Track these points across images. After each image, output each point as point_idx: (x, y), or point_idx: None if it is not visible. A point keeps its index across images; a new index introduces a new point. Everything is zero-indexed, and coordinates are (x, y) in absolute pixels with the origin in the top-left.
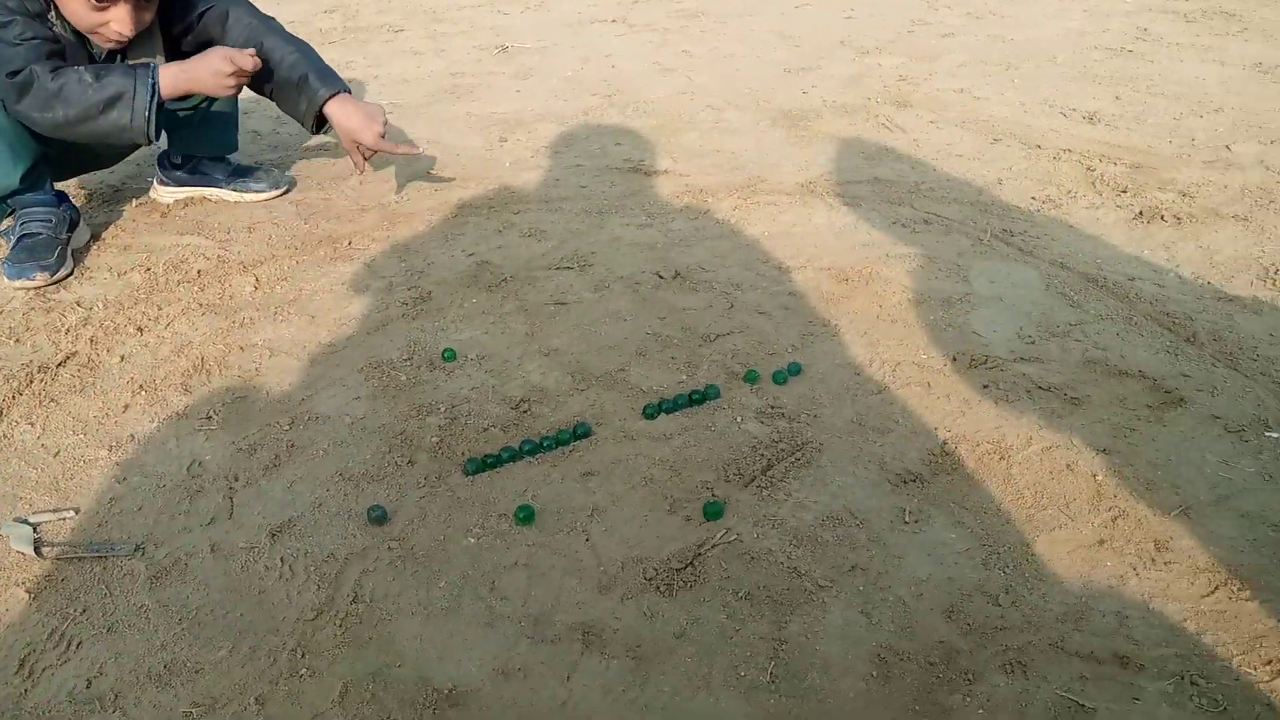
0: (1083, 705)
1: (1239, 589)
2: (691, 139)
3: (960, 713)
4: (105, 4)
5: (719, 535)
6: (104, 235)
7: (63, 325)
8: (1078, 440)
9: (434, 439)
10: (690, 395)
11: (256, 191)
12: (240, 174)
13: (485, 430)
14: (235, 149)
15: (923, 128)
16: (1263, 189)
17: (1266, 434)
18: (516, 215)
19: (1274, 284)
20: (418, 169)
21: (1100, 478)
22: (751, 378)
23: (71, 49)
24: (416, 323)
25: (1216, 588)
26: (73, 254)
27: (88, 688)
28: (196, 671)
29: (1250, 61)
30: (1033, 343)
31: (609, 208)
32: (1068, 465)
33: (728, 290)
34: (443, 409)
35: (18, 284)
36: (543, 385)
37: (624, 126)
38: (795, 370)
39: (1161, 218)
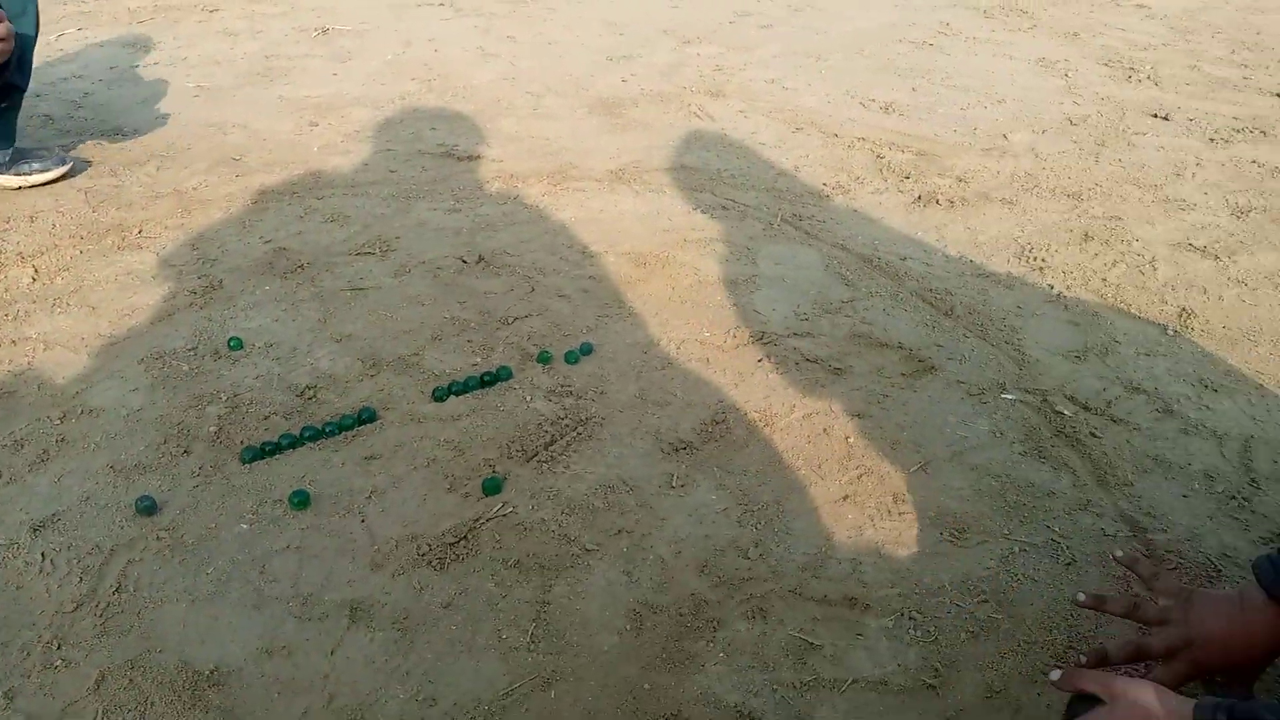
0: (812, 643)
1: (960, 533)
2: (508, 125)
3: (703, 657)
4: None
5: (495, 509)
6: None
7: None
8: (836, 406)
9: (212, 429)
10: (481, 377)
11: (36, 173)
12: (20, 157)
13: (267, 418)
14: (12, 141)
15: (732, 116)
16: (1030, 175)
17: (1002, 396)
18: (320, 200)
19: (1028, 261)
20: (220, 155)
21: (852, 440)
22: (544, 358)
23: None
24: (204, 312)
25: (941, 533)
26: None
27: None
28: None
29: (1035, 56)
30: (806, 319)
31: (417, 192)
32: (824, 430)
33: (530, 274)
34: (224, 398)
35: None
36: (331, 372)
37: (441, 111)
38: (587, 350)
39: (937, 201)
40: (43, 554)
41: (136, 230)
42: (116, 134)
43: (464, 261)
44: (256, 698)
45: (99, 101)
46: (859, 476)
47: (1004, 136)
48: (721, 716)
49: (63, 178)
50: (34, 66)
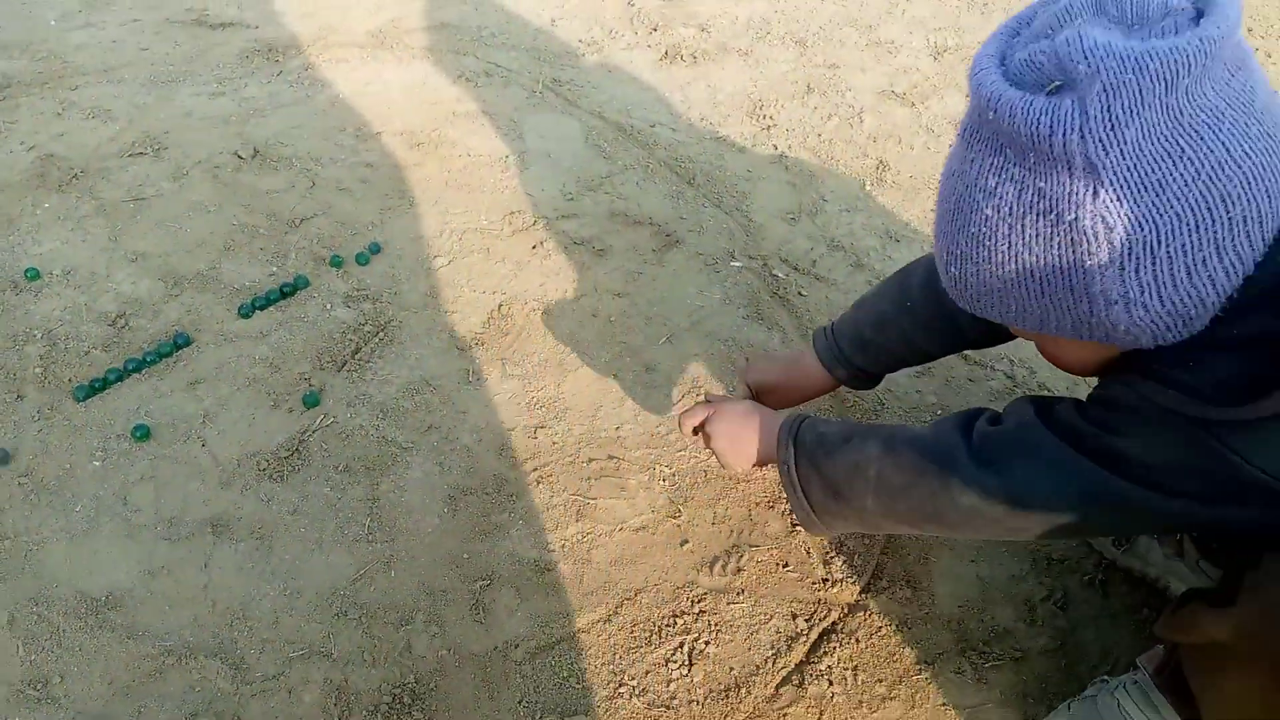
0: (587, 500)
1: (696, 395)
2: None
3: (507, 525)
4: None
5: (318, 421)
6: None
7: None
8: (601, 287)
9: (37, 369)
10: (281, 289)
11: None
12: None
13: (87, 353)
14: None
15: None
16: (764, 20)
17: (732, 264)
18: (74, 92)
19: (758, 119)
20: None
21: (614, 319)
22: (336, 262)
23: None
24: None
25: (681, 396)
26: None
27: None
28: None
29: None
30: (572, 199)
31: (176, 75)
32: (592, 313)
33: (308, 166)
34: (39, 336)
35: None
36: (135, 295)
37: None
38: (375, 249)
39: (681, 57)
40: None
41: None
42: None
43: (240, 157)
44: (152, 612)
45: None
46: (619, 354)
47: None
48: (525, 570)
49: None
50: None
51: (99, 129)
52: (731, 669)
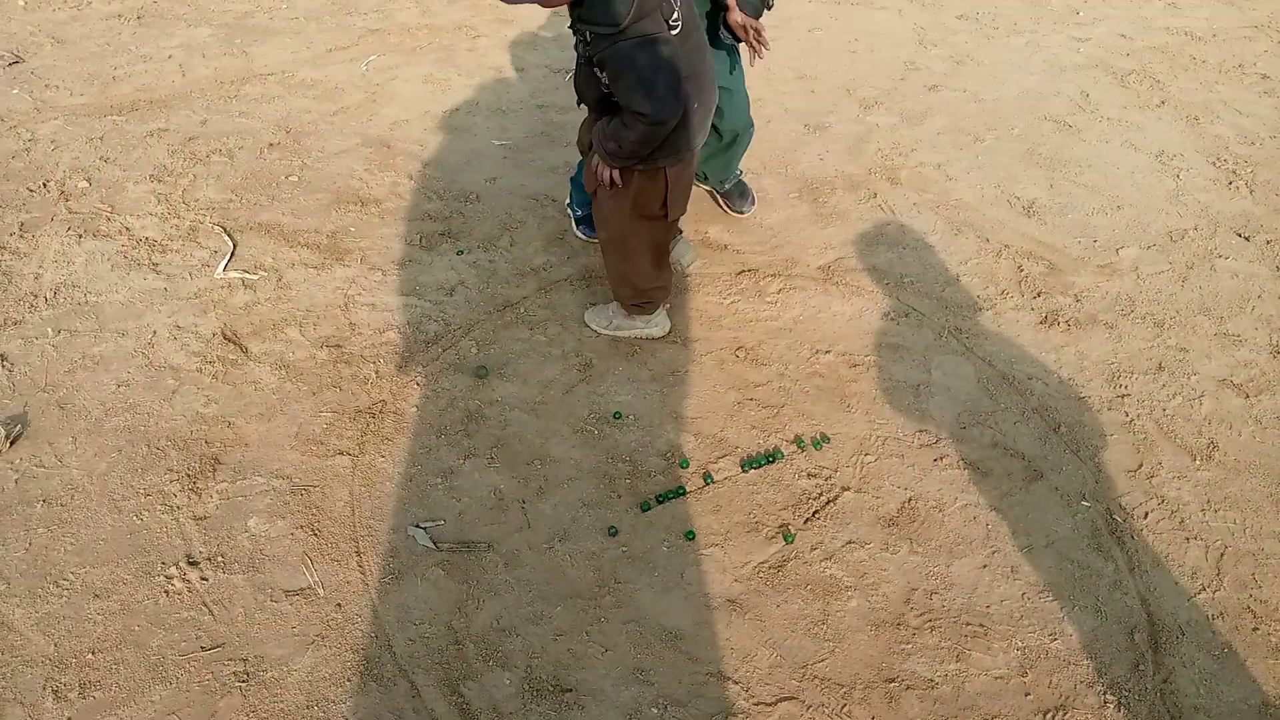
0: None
1: (1043, 591)
2: None
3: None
4: None
5: (793, 552)
6: None
7: None
8: (982, 500)
9: (626, 481)
10: (767, 456)
11: None
12: None
13: (652, 475)
14: None
15: (908, 210)
16: (1130, 298)
17: (1081, 503)
18: None
19: (1115, 388)
20: None
21: (990, 525)
22: (800, 444)
23: None
24: None
25: (1027, 591)
26: None
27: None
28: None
29: (1156, 150)
30: (965, 427)
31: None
32: (974, 518)
33: (780, 370)
34: (626, 458)
35: None
36: (677, 442)
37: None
38: (826, 440)
39: (1058, 323)
40: None
41: None
42: None
43: (736, 356)
44: (706, 645)
45: None
46: (992, 552)
47: (1116, 251)
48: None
49: None
50: None
51: None
52: None
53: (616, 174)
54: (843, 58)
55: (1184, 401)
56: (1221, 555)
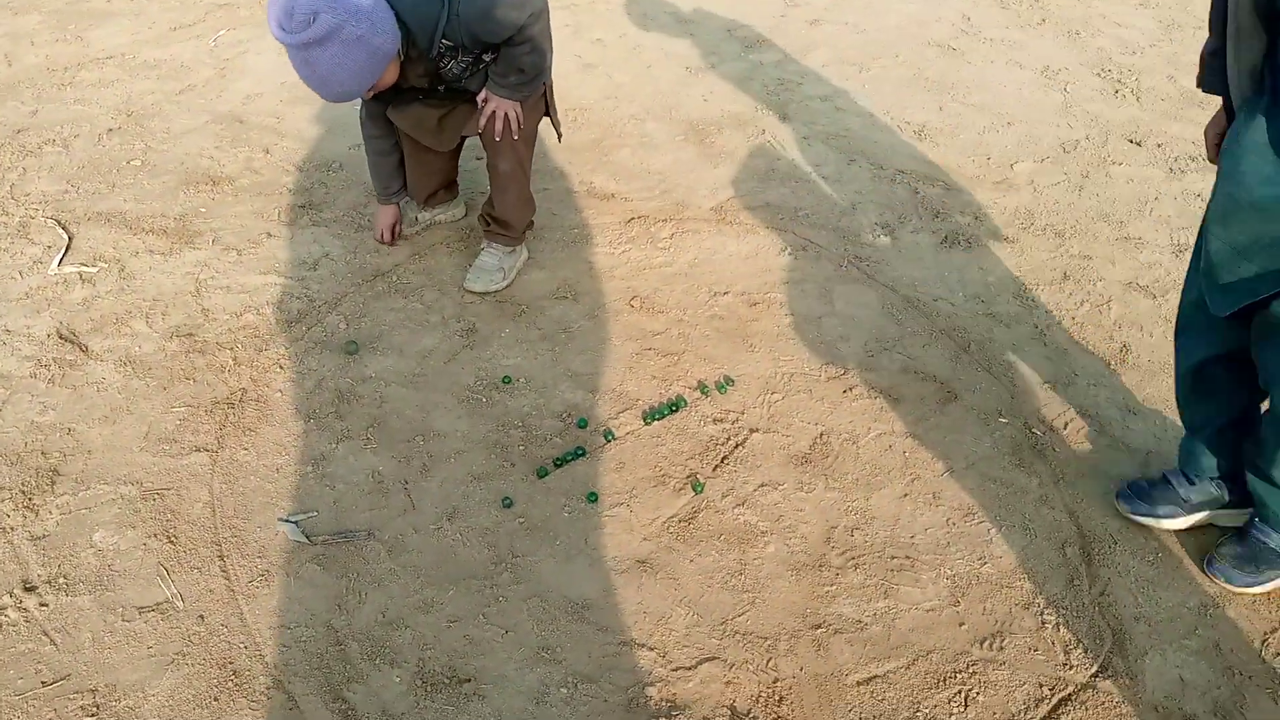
0: (892, 585)
1: (968, 515)
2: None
3: (836, 594)
4: None
5: (703, 503)
6: None
7: None
8: (897, 428)
9: (521, 448)
10: (670, 405)
11: None
12: None
13: (548, 439)
14: None
15: (798, 144)
16: (1028, 211)
17: (999, 420)
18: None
19: (1022, 301)
20: None
21: (907, 454)
22: (704, 390)
23: None
24: None
25: (951, 515)
26: None
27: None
28: None
29: (1041, 65)
30: (872, 355)
31: (580, 237)
32: (889, 446)
33: (678, 315)
34: (519, 424)
35: None
36: (575, 401)
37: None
38: (730, 382)
39: (958, 242)
40: None
41: None
42: None
43: (631, 305)
44: (612, 613)
45: None
46: (911, 480)
47: (1010, 167)
48: (850, 625)
49: None
50: None
51: (535, 275)
52: (995, 713)
53: (518, 110)
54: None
55: (1092, 308)
56: (1146, 457)
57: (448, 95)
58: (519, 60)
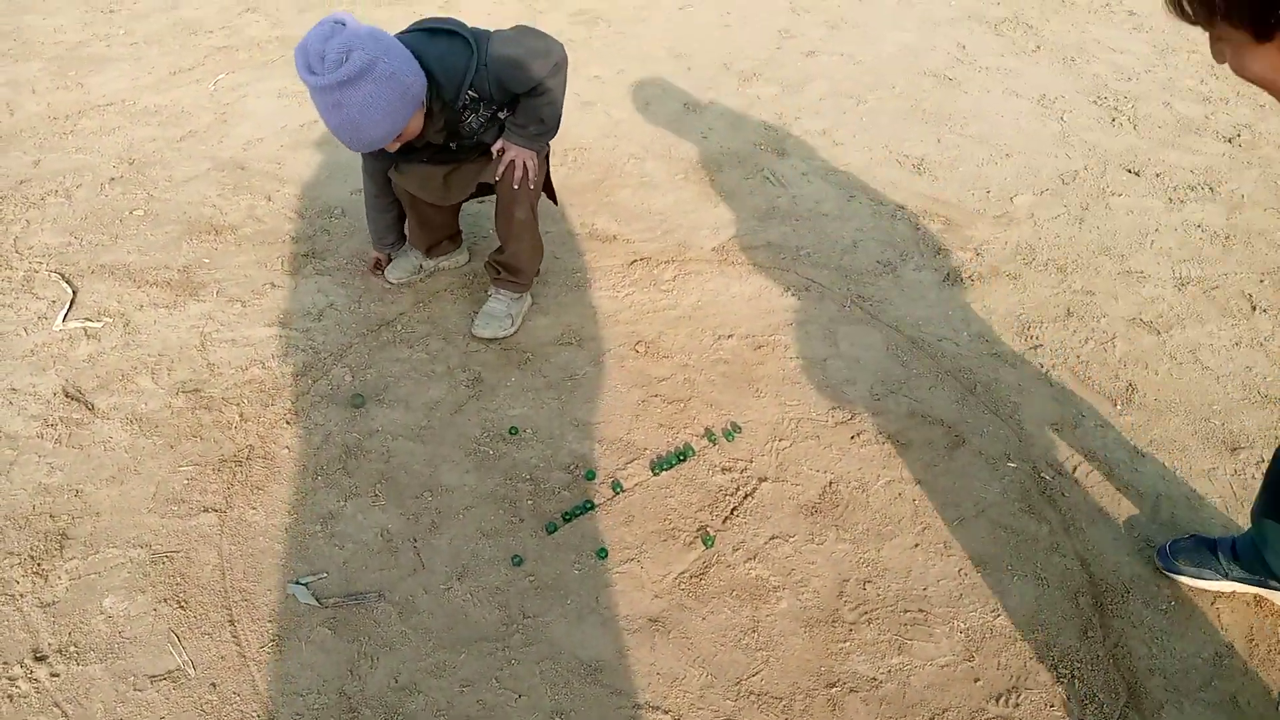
0: (906, 640)
1: (983, 566)
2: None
3: (849, 651)
4: None
5: (714, 557)
6: None
7: None
8: (906, 474)
9: (529, 502)
10: (678, 454)
11: None
12: None
13: (556, 493)
14: None
15: (797, 180)
16: (1029, 246)
17: (1008, 464)
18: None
19: (1025, 339)
20: None
21: (917, 502)
22: (710, 438)
23: None
24: None
25: (965, 568)
26: None
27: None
28: None
29: (1037, 94)
30: (879, 399)
31: (584, 281)
32: (899, 494)
33: (683, 360)
34: (527, 476)
35: None
36: (581, 452)
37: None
38: (738, 430)
39: (960, 279)
40: None
41: None
42: None
43: (636, 351)
44: (624, 677)
45: None
46: (922, 529)
47: (1010, 200)
48: (864, 683)
49: None
50: None
51: (539, 321)
52: None
53: (535, 159)
54: (716, 32)
55: (1097, 346)
56: (1156, 501)
57: (455, 152)
58: (540, 110)
